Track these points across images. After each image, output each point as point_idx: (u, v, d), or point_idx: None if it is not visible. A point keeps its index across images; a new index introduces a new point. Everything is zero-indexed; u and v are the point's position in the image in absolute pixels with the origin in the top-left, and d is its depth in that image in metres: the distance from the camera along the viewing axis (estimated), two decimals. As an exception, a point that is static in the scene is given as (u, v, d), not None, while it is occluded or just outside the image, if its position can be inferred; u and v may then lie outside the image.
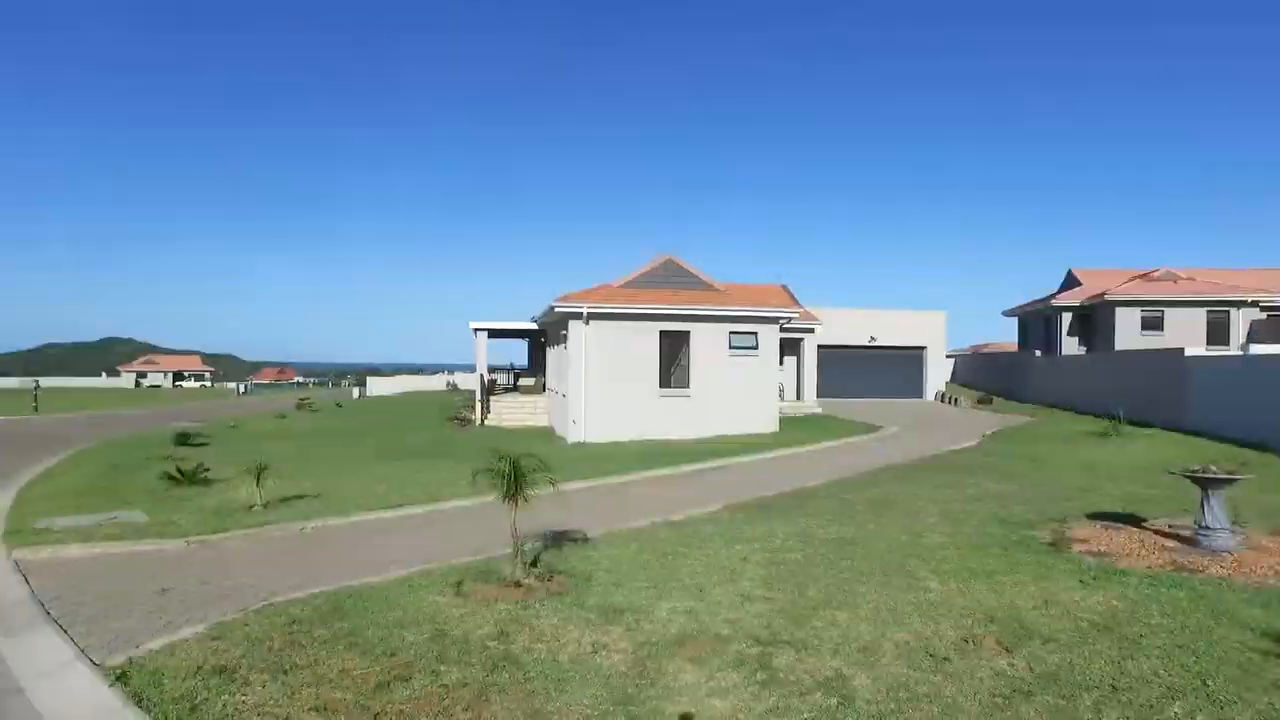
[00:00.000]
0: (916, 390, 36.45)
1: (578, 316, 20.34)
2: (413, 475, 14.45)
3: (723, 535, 9.00)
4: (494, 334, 29.06)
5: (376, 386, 63.21)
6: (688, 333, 21.23)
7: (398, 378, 71.44)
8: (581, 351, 20.40)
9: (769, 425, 21.56)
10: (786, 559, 7.88)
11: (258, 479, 11.00)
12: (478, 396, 26.60)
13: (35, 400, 44.51)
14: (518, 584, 6.76)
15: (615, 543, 8.62)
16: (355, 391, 62.25)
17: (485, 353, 27.54)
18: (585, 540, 8.75)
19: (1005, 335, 51.51)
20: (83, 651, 5.56)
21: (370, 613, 6.21)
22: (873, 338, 36.31)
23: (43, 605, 6.76)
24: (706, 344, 21.29)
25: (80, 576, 7.74)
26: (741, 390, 21.45)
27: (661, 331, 21.02)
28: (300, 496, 11.82)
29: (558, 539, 8.60)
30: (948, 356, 40.81)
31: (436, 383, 64.11)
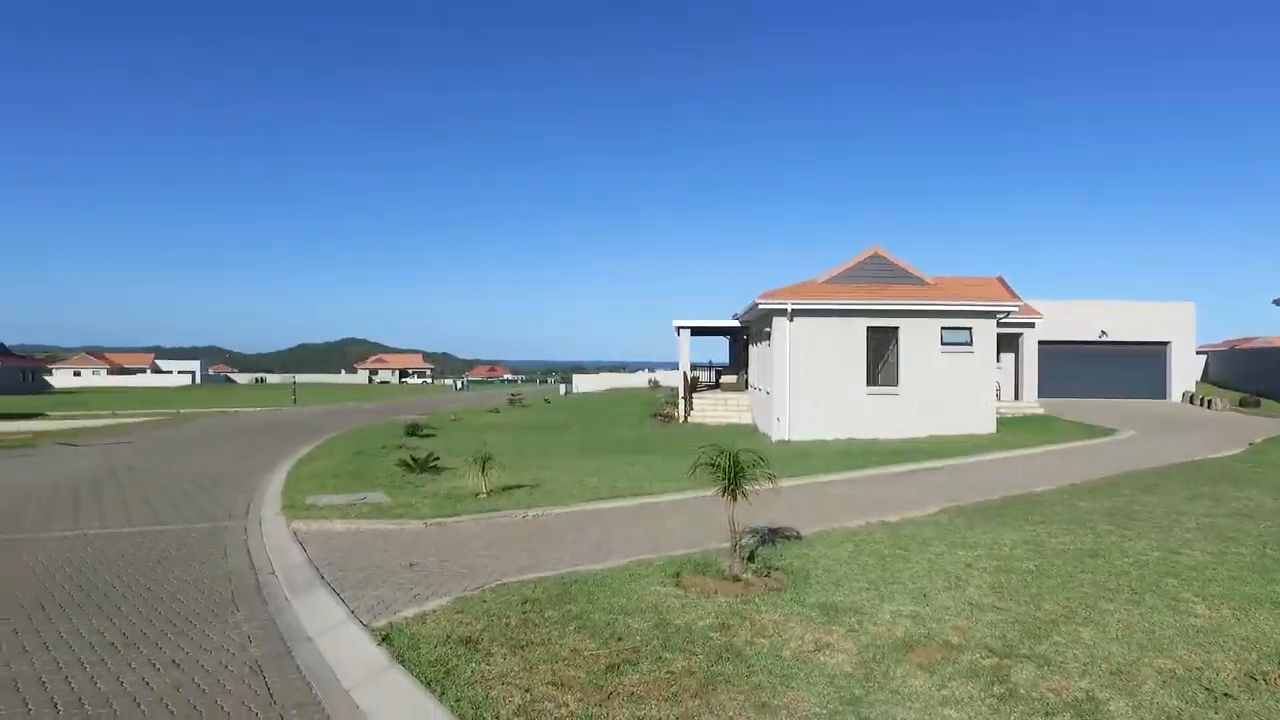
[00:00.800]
0: (1158, 390, 32.79)
1: (782, 313, 20.14)
2: (622, 469, 14.95)
3: (943, 539, 8.56)
4: (696, 332, 29.44)
5: (582, 384, 66.01)
6: (896, 329, 20.40)
7: (601, 375, 74.22)
8: (785, 348, 20.18)
9: (985, 426, 20.25)
10: (1017, 568, 7.36)
11: (482, 469, 11.84)
12: (680, 394, 27.05)
13: (294, 394, 50.50)
14: (736, 578, 6.79)
15: (829, 542, 8.45)
16: (562, 388, 65.39)
17: (688, 350, 27.96)
18: (798, 538, 8.64)
19: (1272, 328, 45.15)
20: (353, 613, 6.24)
21: (595, 598, 6.48)
22: (1103, 332, 33.09)
23: (318, 570, 7.67)
24: (916, 340, 20.35)
25: (341, 548, 8.69)
26: (954, 388, 20.31)
27: (869, 327, 20.34)
28: (519, 486, 12.57)
29: (771, 536, 8.56)
30: (1198, 353, 36.33)
31: (638, 380, 65.99)
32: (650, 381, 61.71)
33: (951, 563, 7.55)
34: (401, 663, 5.16)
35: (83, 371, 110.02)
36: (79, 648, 5.87)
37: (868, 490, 12.70)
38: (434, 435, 23.20)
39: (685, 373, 27.48)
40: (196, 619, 6.54)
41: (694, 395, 27.27)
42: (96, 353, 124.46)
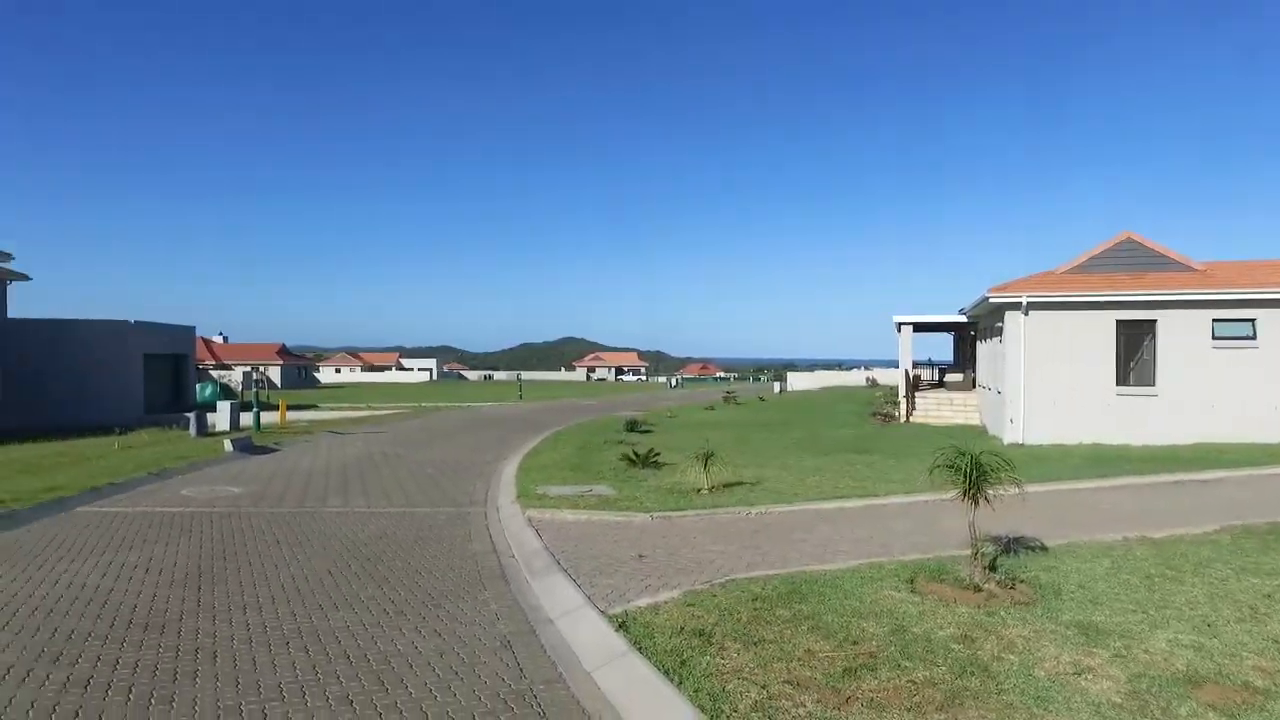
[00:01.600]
0: None
1: (1015, 306, 18.67)
2: (843, 468, 14.55)
3: (1226, 562, 7.51)
4: (919, 328, 28.05)
5: (796, 382, 65.10)
6: (1153, 321, 18.23)
7: (816, 373, 72.77)
8: (1019, 345, 18.69)
9: (1272, 433, 17.56)
10: (1332, 601, 6.30)
11: (705, 465, 11.98)
12: (901, 392, 25.90)
13: (520, 390, 53.91)
14: (977, 588, 6.37)
15: (1081, 556, 7.70)
16: (776, 386, 64.86)
17: (910, 347, 26.70)
18: (1043, 550, 7.96)
19: None
20: (589, 599, 6.55)
21: (826, 599, 6.34)
22: None
23: (553, 557, 8.13)
24: (1179, 334, 18.06)
25: (573, 537, 9.14)
26: (1229, 389, 17.80)
27: (1119, 321, 18.34)
28: (740, 483, 12.59)
29: (1013, 545, 7.95)
30: None
31: (854, 378, 64.03)
32: (868, 380, 59.63)
33: (1243, 590, 6.62)
34: (639, 650, 5.34)
35: (342, 369, 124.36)
36: (360, 610, 6.62)
37: (1121, 501, 11.44)
38: (652, 431, 23.85)
39: (907, 370, 26.25)
40: (450, 594, 7.15)
41: (916, 394, 25.99)
42: (353, 352, 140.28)
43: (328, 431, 24.92)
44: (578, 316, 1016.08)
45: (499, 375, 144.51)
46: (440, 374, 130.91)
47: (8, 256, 28.81)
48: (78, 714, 4.67)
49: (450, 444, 21.27)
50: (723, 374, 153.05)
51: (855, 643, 5.38)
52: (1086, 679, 4.79)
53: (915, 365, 28.12)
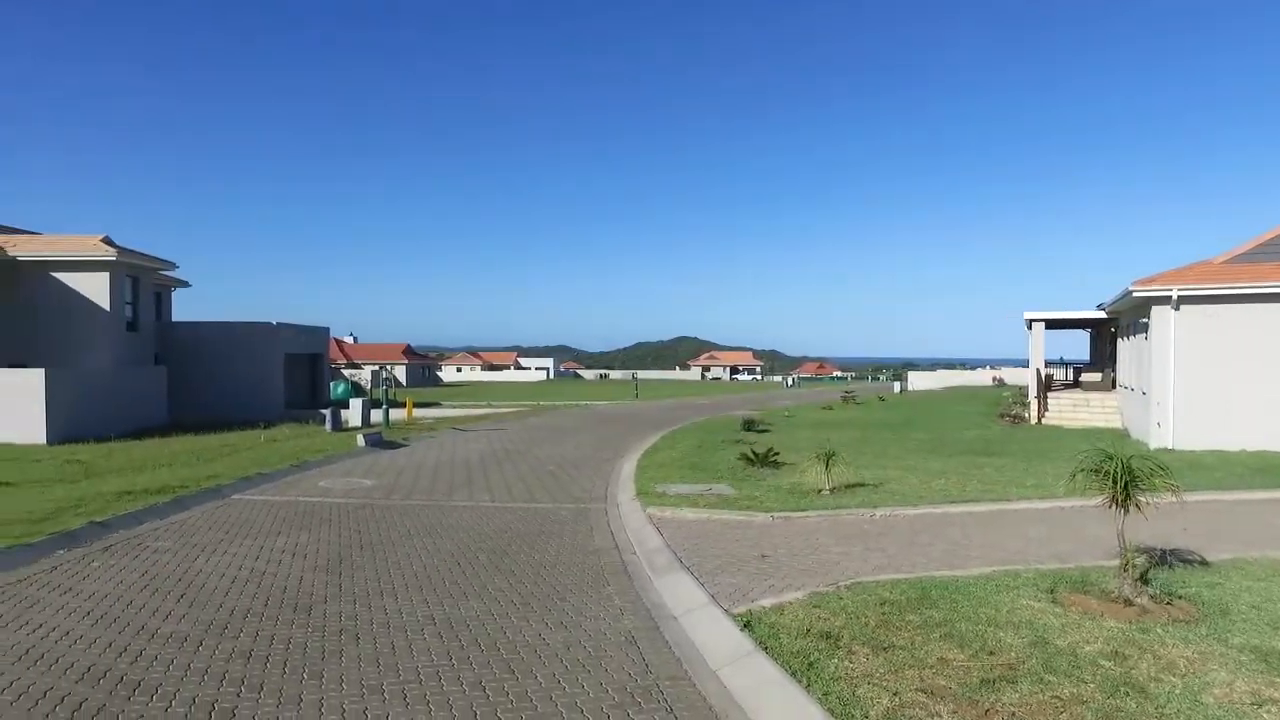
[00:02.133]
0: None
1: (1164, 301, 17.36)
2: (970, 471, 13.94)
3: None
4: (1051, 325, 26.56)
5: (917, 381, 62.93)
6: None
7: (938, 372, 70.09)
8: (1168, 342, 17.37)
9: None
10: None
11: (826, 465, 11.73)
12: (1032, 392, 24.59)
13: (636, 389, 54.40)
14: (1128, 602, 5.96)
15: (1252, 574, 7.07)
16: (896, 386, 62.88)
17: (1042, 345, 25.31)
18: (1203, 564, 7.36)
19: None
20: (713, 598, 6.53)
21: (959, 606, 6.09)
22: None
23: (675, 554, 8.15)
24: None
25: (693, 535, 9.14)
26: None
27: (1289, 315, 16.74)
28: (861, 484, 12.26)
29: (1167, 558, 7.40)
30: None
31: (979, 378, 61.30)
32: (994, 379, 56.96)
33: None
34: (765, 650, 5.27)
35: (463, 368, 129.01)
36: (488, 601, 6.84)
37: (1293, 513, 10.44)
38: (769, 431, 23.57)
39: (1038, 369, 24.87)
40: (575, 588, 7.28)
41: (1048, 394, 24.60)
42: (473, 352, 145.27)
43: (451, 428, 25.90)
44: (692, 316, 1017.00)
45: (614, 374, 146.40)
46: (557, 373, 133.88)
47: (172, 265, 31.39)
48: (242, 681, 5.06)
49: (569, 441, 21.69)
50: (839, 373, 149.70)
51: (992, 653, 5.13)
52: (1267, 711, 4.38)
53: (1047, 364, 26.61)
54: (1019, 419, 24.78)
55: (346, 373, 67.15)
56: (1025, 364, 27.41)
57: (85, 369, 24.78)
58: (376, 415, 27.46)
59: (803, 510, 10.28)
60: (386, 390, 29.79)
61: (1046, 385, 25.32)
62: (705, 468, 14.83)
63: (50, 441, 20.88)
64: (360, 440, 19.47)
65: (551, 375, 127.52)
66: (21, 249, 27.19)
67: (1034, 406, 24.18)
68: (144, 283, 29.79)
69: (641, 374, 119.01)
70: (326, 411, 24.64)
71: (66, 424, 21.74)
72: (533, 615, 6.44)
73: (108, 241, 27.40)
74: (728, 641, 5.61)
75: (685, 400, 49.22)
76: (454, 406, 41.49)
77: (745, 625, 5.76)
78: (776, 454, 15.18)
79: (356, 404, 27.05)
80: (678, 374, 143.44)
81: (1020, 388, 35.10)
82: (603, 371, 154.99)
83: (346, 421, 25.66)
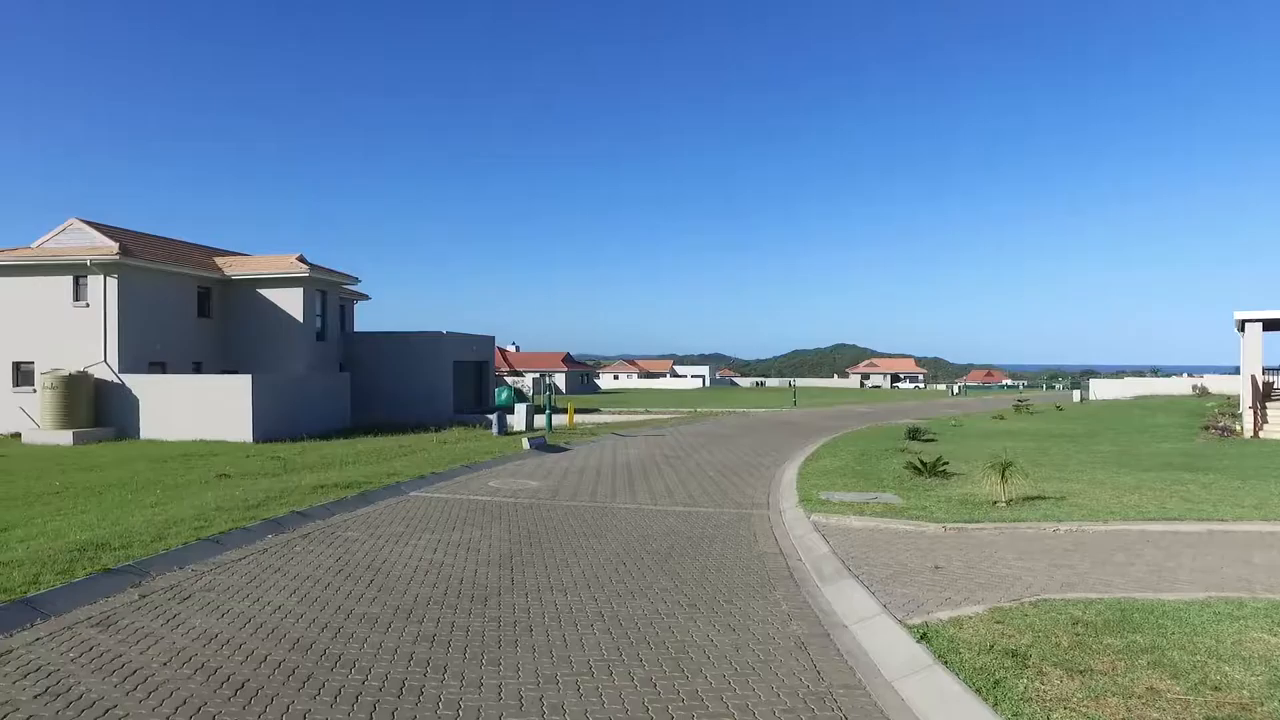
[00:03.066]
0: None
1: None
2: (1170, 488, 12.66)
3: None
4: (1270, 325, 23.73)
5: (1101, 389, 58.08)
6: None
7: (1125, 380, 64.39)
8: None
9: None
10: None
11: (1002, 476, 11.03)
12: (1246, 401, 22.07)
13: (794, 397, 53.54)
14: (1382, 637, 5.18)
15: None
16: (1076, 394, 58.36)
17: (1259, 348, 22.66)
18: None
19: None
20: (885, 607, 6.27)
21: (1168, 633, 5.51)
22: None
23: (842, 562, 7.91)
24: None
25: (861, 543, 8.83)
26: None
27: None
28: (1041, 497, 11.41)
29: None
30: None
31: (1175, 386, 55.75)
32: (1195, 388, 51.57)
33: None
34: (944, 664, 5.00)
35: (619, 375, 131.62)
36: (654, 600, 6.90)
37: None
38: (935, 440, 22.49)
39: (1254, 376, 22.23)
40: (741, 592, 7.21)
41: (1267, 403, 21.96)
42: (629, 360, 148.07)
43: (611, 433, 26.46)
44: (851, 323, 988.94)
45: (770, 382, 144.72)
46: (712, 380, 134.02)
47: (354, 280, 34.08)
48: (428, 663, 5.38)
49: (728, 447, 21.62)
50: (1010, 381, 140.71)
51: (1217, 688, 4.60)
52: None
53: (1265, 371, 23.77)
54: (1229, 431, 22.28)
55: (510, 380, 70.23)
56: (1235, 371, 24.64)
57: (283, 375, 27.30)
58: (540, 420, 28.51)
59: (977, 521, 9.70)
60: (549, 396, 30.87)
61: (1265, 394, 22.61)
62: (869, 476, 14.33)
63: (255, 440, 23.14)
64: (525, 443, 20.27)
65: (707, 383, 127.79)
66: (234, 269, 30.38)
67: (1248, 417, 21.66)
68: (331, 296, 32.50)
69: (798, 382, 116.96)
70: (492, 416, 25.85)
71: (267, 425, 24.02)
72: (700, 616, 6.44)
73: (302, 260, 30.11)
74: (903, 653, 5.36)
75: (844, 408, 47.85)
76: (613, 412, 42.42)
77: (922, 637, 5.49)
78: (945, 463, 14.43)
79: (521, 409, 28.22)
80: (835, 382, 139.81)
81: (1228, 397, 31.62)
82: (759, 379, 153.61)
83: (511, 426, 26.81)
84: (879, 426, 29.18)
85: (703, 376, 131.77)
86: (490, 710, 4.66)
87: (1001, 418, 34.43)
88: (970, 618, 5.91)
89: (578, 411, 34.50)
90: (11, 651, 5.55)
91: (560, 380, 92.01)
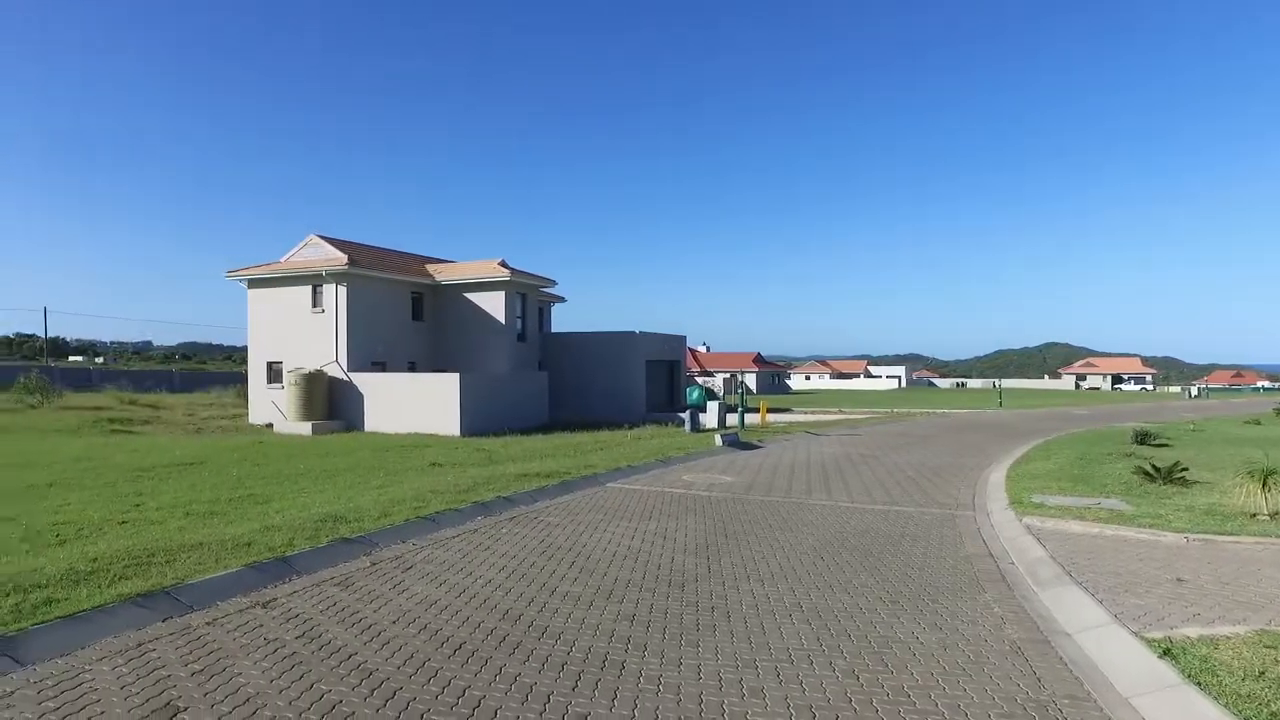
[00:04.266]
0: None
1: None
2: None
3: None
4: None
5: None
6: None
7: None
8: None
9: None
10: None
11: (1263, 484, 9.67)
12: None
13: (999, 398, 50.11)
14: None
15: None
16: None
17: None
18: None
19: None
20: (1116, 618, 5.67)
21: None
22: None
23: (1062, 567, 7.25)
24: None
25: (1082, 550, 8.05)
26: None
27: None
28: (1313, 509, 9.89)
29: None
30: None
31: None
32: None
33: None
34: (1197, 685, 4.44)
35: (811, 376, 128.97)
36: (854, 595, 6.67)
37: None
38: (1169, 445, 20.16)
39: None
40: (947, 592, 6.81)
41: None
42: (821, 361, 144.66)
43: (804, 432, 25.97)
44: (1062, 320, 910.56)
45: (972, 383, 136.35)
46: (909, 381, 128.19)
47: (551, 282, 35.72)
48: (628, 640, 5.51)
49: (927, 448, 20.57)
50: (1268, 383, 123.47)
51: None
52: None
53: None
54: None
55: (700, 380, 70.81)
56: None
57: (487, 374, 29.11)
58: (731, 419, 28.52)
59: (1231, 534, 8.56)
60: (741, 395, 30.81)
61: None
62: (1089, 481, 13.08)
63: (462, 433, 24.84)
64: (718, 440, 20.32)
65: (903, 384, 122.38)
66: (443, 275, 32.82)
67: None
68: (530, 299, 34.25)
69: (1004, 383, 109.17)
70: (684, 414, 26.14)
71: (473, 419, 25.70)
72: (903, 614, 6.14)
73: (503, 265, 31.99)
74: (1140, 668, 4.82)
75: (1057, 410, 44.07)
76: (805, 412, 41.64)
77: (1165, 653, 4.91)
78: (1184, 469, 12.88)
79: (713, 407, 28.35)
80: (1046, 383, 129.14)
81: None
82: (959, 380, 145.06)
83: (703, 424, 27.00)
84: (1099, 430, 26.60)
85: (898, 377, 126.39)
86: (690, 688, 4.69)
87: (1257, 423, 30.31)
88: (1229, 638, 5.21)
89: (769, 411, 34.19)
90: (276, 600, 6.33)
91: (751, 380, 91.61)
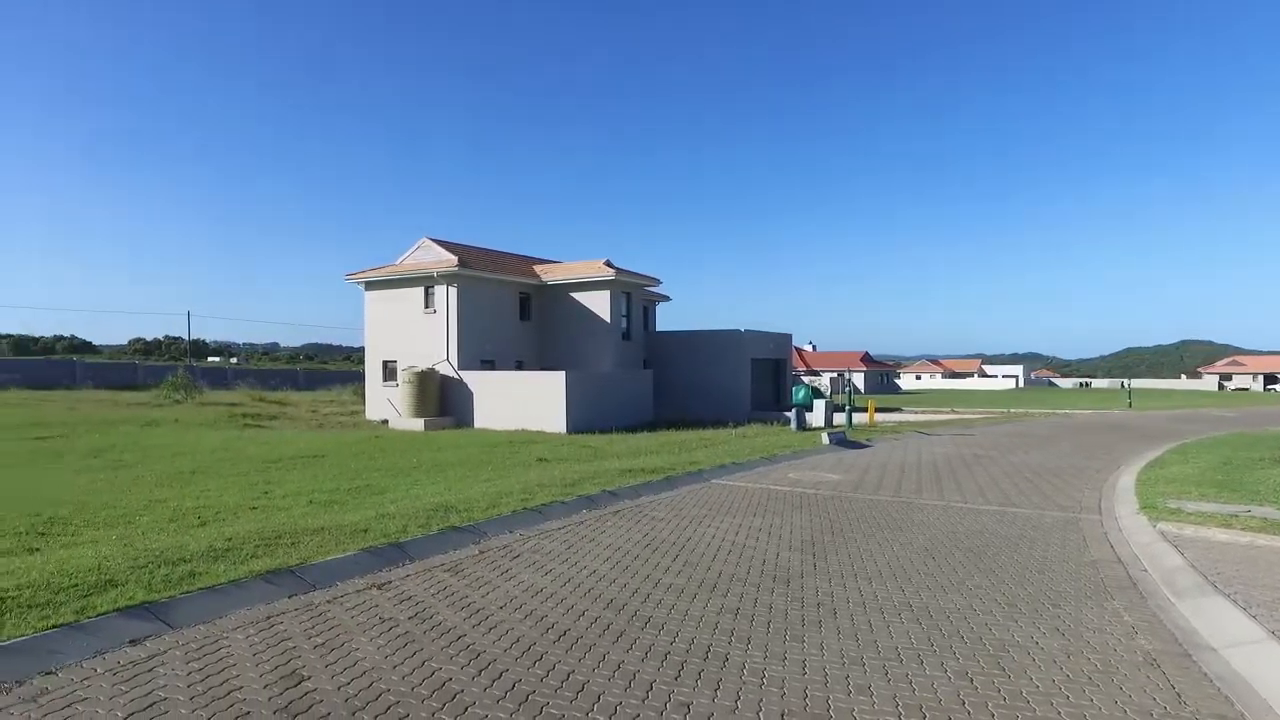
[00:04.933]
0: None
1: None
2: None
3: None
4: None
5: None
6: None
7: None
8: None
9: None
10: None
11: None
12: None
13: (1128, 398, 47.18)
14: None
15: None
16: None
17: None
18: None
19: None
20: (1273, 634, 5.20)
21: None
22: None
23: (1204, 577, 6.72)
24: None
25: (1230, 559, 7.44)
26: None
27: None
28: None
29: None
30: None
31: None
32: None
33: None
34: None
35: (922, 376, 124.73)
36: (967, 596, 6.38)
37: None
38: (1329, 449, 18.42)
39: None
40: (1069, 597, 6.42)
41: None
42: (932, 360, 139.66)
43: (915, 432, 25.13)
44: (1200, 316, 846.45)
45: (1097, 383, 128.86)
46: (1027, 381, 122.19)
47: (656, 281, 35.87)
48: (732, 633, 5.46)
49: (1047, 449, 19.52)
50: None
51: None
52: None
53: None
54: None
55: (805, 379, 69.61)
56: None
57: (592, 372, 29.49)
58: (839, 418, 27.91)
59: (1404, 544, 7.74)
60: (848, 393, 30.13)
61: None
62: (1236, 487, 12.08)
63: (567, 431, 25.25)
64: (824, 439, 19.92)
65: (1020, 384, 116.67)
66: (549, 275, 33.48)
67: None
68: (635, 298, 34.50)
69: (1135, 383, 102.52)
70: (789, 413, 25.77)
71: (578, 417, 26.09)
72: (1020, 617, 5.84)
73: (608, 264, 32.33)
74: (1301, 684, 4.40)
75: (1196, 411, 41.01)
76: (915, 411, 40.31)
77: (1327, 668, 4.47)
78: (1349, 475, 11.74)
79: (819, 406, 27.84)
80: (1184, 383, 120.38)
81: None
82: (1083, 380, 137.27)
83: (810, 423, 26.54)
84: (1246, 433, 24.59)
85: (1015, 377, 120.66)
86: (794, 683, 4.60)
87: None
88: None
89: (878, 410, 33.26)
90: (391, 582, 6.61)
91: (858, 380, 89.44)
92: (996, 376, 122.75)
